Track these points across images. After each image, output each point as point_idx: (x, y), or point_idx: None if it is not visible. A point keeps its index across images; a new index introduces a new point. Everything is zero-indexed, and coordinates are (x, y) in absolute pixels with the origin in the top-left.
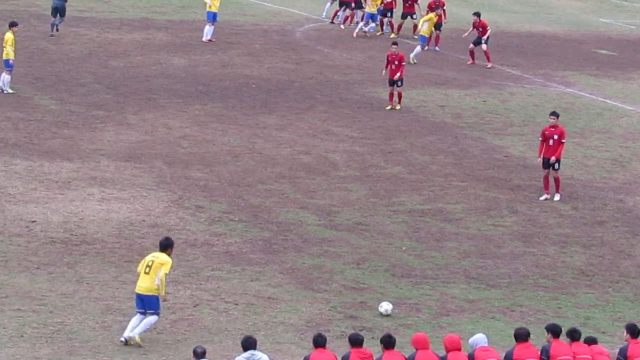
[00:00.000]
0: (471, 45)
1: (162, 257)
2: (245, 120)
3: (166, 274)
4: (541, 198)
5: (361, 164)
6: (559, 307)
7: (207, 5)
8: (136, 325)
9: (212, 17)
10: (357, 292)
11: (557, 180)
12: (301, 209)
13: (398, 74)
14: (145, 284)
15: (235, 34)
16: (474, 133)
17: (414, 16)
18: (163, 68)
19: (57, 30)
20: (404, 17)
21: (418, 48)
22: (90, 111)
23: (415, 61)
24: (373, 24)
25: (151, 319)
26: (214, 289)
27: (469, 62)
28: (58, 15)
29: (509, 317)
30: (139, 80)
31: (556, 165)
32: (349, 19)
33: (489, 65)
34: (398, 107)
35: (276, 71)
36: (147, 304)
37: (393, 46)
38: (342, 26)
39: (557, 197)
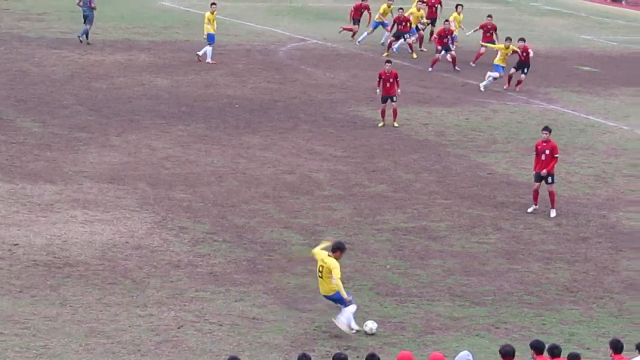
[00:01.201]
0: (512, 69)
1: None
2: (228, 141)
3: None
4: (529, 210)
5: (345, 182)
6: (544, 324)
7: (207, 28)
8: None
9: (212, 39)
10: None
11: (551, 194)
12: (285, 229)
13: (398, 90)
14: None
15: (219, 54)
16: (457, 151)
17: (406, 36)
18: (146, 89)
19: (87, 38)
20: (396, 36)
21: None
22: (73, 133)
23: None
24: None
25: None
26: (198, 310)
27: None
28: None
29: (494, 334)
30: (122, 101)
31: (549, 179)
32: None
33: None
34: (396, 124)
35: (259, 91)
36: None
37: (387, 64)
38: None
39: (553, 214)
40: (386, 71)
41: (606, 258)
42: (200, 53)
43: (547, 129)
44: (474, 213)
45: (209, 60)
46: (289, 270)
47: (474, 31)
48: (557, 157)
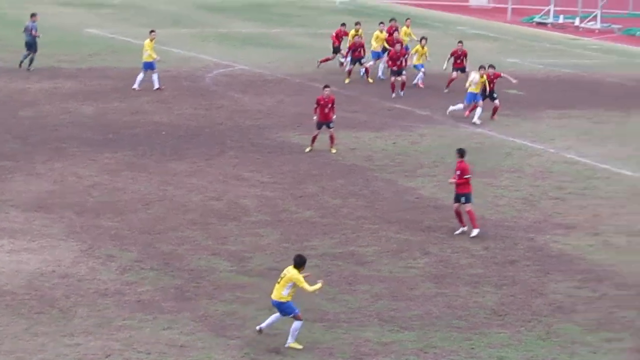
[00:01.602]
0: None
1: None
2: (155, 168)
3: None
4: (456, 232)
5: (272, 208)
6: (472, 348)
7: (147, 55)
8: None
9: (150, 66)
10: (270, 337)
11: (468, 214)
12: (213, 256)
13: (334, 116)
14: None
15: (145, 81)
16: (385, 175)
17: (362, 60)
18: (72, 117)
19: (29, 64)
20: (353, 62)
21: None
22: None
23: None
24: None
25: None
26: (125, 338)
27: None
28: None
29: (423, 358)
30: (48, 129)
31: (462, 199)
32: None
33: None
34: (333, 150)
35: (186, 117)
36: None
37: (325, 90)
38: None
39: (474, 233)
40: (324, 97)
41: (534, 281)
42: (156, 85)
43: (457, 151)
44: (402, 237)
45: (135, 87)
46: (217, 298)
47: (448, 60)
48: (466, 178)
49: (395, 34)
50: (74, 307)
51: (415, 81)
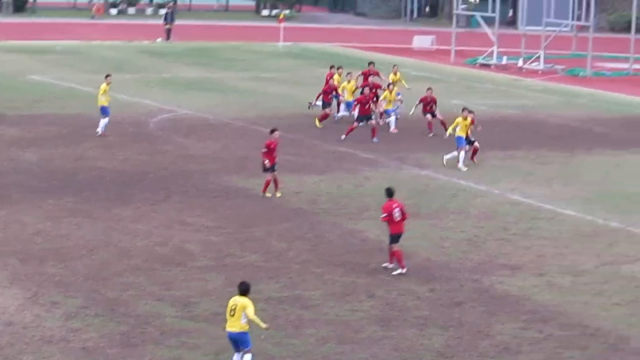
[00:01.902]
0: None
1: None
2: (100, 213)
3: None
4: (385, 265)
5: (217, 253)
6: None
7: (101, 100)
8: None
9: (106, 111)
10: None
11: (395, 254)
12: (158, 301)
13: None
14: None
15: (89, 127)
16: (330, 218)
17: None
18: (15, 164)
19: None
20: (324, 106)
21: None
22: None
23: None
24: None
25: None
26: None
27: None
28: None
29: None
30: None
31: (389, 239)
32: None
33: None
34: (279, 194)
35: (130, 163)
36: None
37: (275, 133)
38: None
39: (399, 270)
40: (273, 140)
41: (480, 322)
42: (101, 129)
43: (385, 191)
44: (348, 280)
45: (99, 130)
46: (163, 343)
47: (415, 107)
48: (383, 217)
49: (371, 78)
50: (19, 354)
51: (391, 129)
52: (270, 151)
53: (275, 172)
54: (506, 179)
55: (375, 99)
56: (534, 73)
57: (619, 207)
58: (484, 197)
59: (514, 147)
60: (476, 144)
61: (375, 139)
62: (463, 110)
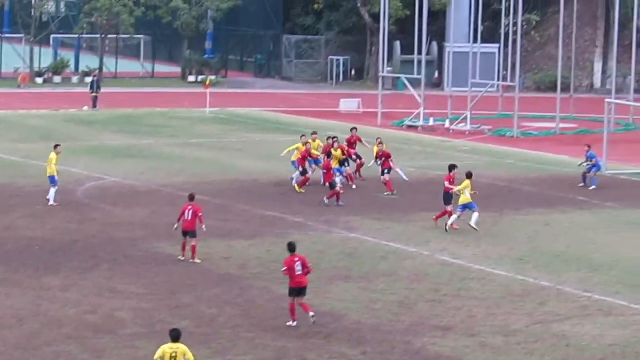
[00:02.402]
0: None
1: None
2: (29, 283)
3: None
4: (288, 323)
5: (148, 320)
6: None
7: (51, 169)
8: None
9: (54, 180)
10: None
11: (302, 306)
12: None
13: (200, 224)
14: None
15: (17, 196)
16: (260, 283)
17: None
18: None
19: None
20: (303, 172)
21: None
22: None
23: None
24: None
25: None
26: None
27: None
28: None
29: None
30: None
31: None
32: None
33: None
34: (198, 260)
35: (59, 231)
36: None
37: (192, 199)
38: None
39: (312, 315)
40: (189, 206)
41: None
42: (52, 199)
43: (288, 245)
44: (279, 345)
45: (51, 200)
46: None
47: (375, 161)
48: (283, 271)
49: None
50: None
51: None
52: (181, 215)
53: (195, 238)
54: (436, 240)
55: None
56: (461, 134)
57: (549, 266)
58: (414, 259)
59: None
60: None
61: (341, 203)
62: (467, 174)
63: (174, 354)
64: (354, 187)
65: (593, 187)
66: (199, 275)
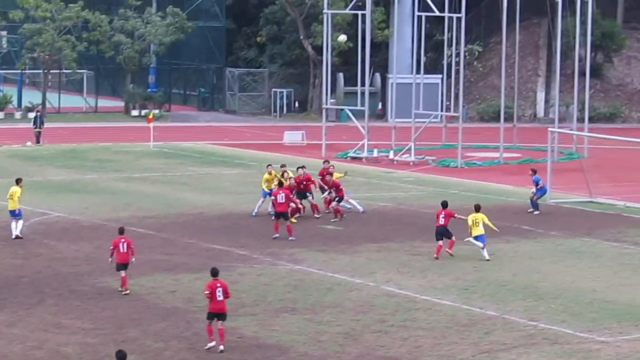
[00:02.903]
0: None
1: None
2: None
3: None
4: (208, 345)
5: (94, 355)
6: None
7: (11, 203)
8: None
9: (16, 214)
10: None
11: (219, 331)
12: None
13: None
14: None
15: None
16: (206, 316)
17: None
18: None
19: None
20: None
21: None
22: None
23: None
24: None
25: None
26: None
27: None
28: None
29: None
30: None
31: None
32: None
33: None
34: (127, 292)
35: (3, 267)
36: None
37: (121, 232)
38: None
39: (221, 348)
40: (121, 240)
41: None
42: (18, 233)
43: (210, 269)
44: None
45: (17, 233)
46: None
47: (329, 192)
48: (206, 294)
49: (328, 177)
50: None
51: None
52: (113, 249)
53: (125, 271)
54: (381, 270)
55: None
56: (405, 165)
57: (494, 295)
58: (359, 290)
59: (387, 239)
60: (453, 237)
61: (291, 238)
62: (475, 207)
63: None
64: (317, 216)
65: (537, 212)
66: (144, 310)
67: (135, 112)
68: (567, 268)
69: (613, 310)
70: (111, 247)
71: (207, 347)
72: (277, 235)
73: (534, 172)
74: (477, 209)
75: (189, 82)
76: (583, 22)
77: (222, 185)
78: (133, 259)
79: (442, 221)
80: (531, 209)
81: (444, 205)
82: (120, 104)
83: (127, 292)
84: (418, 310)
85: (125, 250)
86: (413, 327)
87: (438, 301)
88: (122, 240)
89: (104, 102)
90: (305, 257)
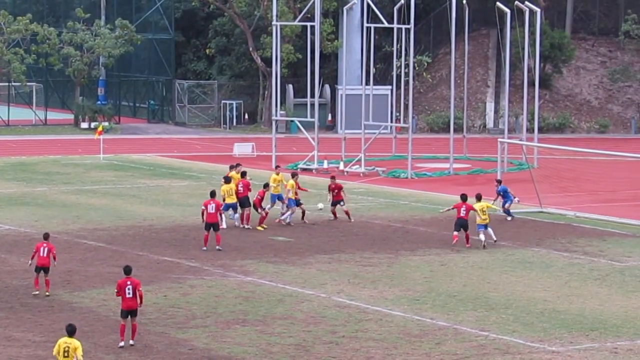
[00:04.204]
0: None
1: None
2: None
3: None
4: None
5: None
6: None
7: None
8: None
9: None
10: None
11: (132, 326)
12: None
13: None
14: None
15: None
16: (157, 328)
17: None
18: None
19: None
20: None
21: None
22: None
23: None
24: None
25: None
26: None
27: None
28: None
29: None
30: None
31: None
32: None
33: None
34: (48, 293)
35: None
36: None
37: (45, 239)
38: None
39: (131, 342)
40: (42, 245)
41: None
42: None
43: (124, 268)
44: None
45: None
46: None
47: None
48: (116, 292)
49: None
50: None
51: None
52: (35, 252)
53: (47, 273)
54: (332, 282)
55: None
56: (355, 176)
57: (445, 306)
58: (310, 301)
59: (338, 250)
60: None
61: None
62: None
63: (66, 348)
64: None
65: (510, 218)
66: (96, 322)
67: (84, 125)
68: (517, 278)
69: (564, 320)
70: (33, 251)
71: (119, 345)
72: (205, 248)
73: (499, 182)
74: (479, 198)
75: (138, 94)
76: (532, 33)
77: (171, 197)
78: (55, 263)
79: (462, 214)
80: (510, 218)
81: (464, 198)
82: (69, 116)
83: (42, 293)
84: (369, 321)
85: (45, 255)
86: (364, 338)
87: (389, 312)
88: (44, 245)
89: (53, 115)
90: (255, 269)
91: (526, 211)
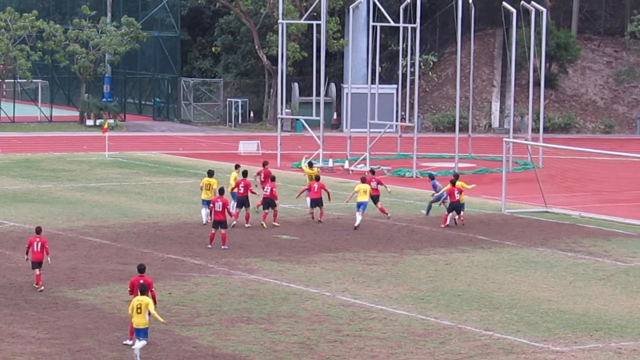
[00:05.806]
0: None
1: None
2: None
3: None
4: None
5: None
6: None
7: None
8: None
9: None
10: None
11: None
12: None
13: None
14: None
15: None
16: (161, 326)
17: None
18: None
19: None
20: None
21: None
22: None
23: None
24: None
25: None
26: None
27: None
28: None
29: None
30: None
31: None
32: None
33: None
34: (41, 289)
35: None
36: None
37: (37, 233)
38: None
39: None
40: (35, 240)
41: None
42: None
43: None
44: None
45: None
46: None
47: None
48: (129, 291)
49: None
50: None
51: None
52: (28, 247)
53: (40, 268)
54: (337, 280)
55: None
56: (360, 174)
57: (450, 305)
58: (315, 300)
59: (343, 248)
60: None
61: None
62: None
63: (139, 305)
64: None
65: (426, 214)
66: (100, 319)
67: (90, 122)
68: (522, 278)
69: (568, 320)
70: (27, 245)
71: (124, 343)
72: (209, 246)
73: (432, 177)
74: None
75: (143, 91)
76: (538, 33)
77: (176, 194)
78: (48, 259)
79: (457, 197)
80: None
81: (454, 182)
82: (75, 113)
83: (42, 289)
84: (373, 320)
85: (39, 250)
86: (368, 336)
87: (393, 311)
88: (37, 239)
89: (59, 112)
90: (260, 267)
91: (531, 211)
